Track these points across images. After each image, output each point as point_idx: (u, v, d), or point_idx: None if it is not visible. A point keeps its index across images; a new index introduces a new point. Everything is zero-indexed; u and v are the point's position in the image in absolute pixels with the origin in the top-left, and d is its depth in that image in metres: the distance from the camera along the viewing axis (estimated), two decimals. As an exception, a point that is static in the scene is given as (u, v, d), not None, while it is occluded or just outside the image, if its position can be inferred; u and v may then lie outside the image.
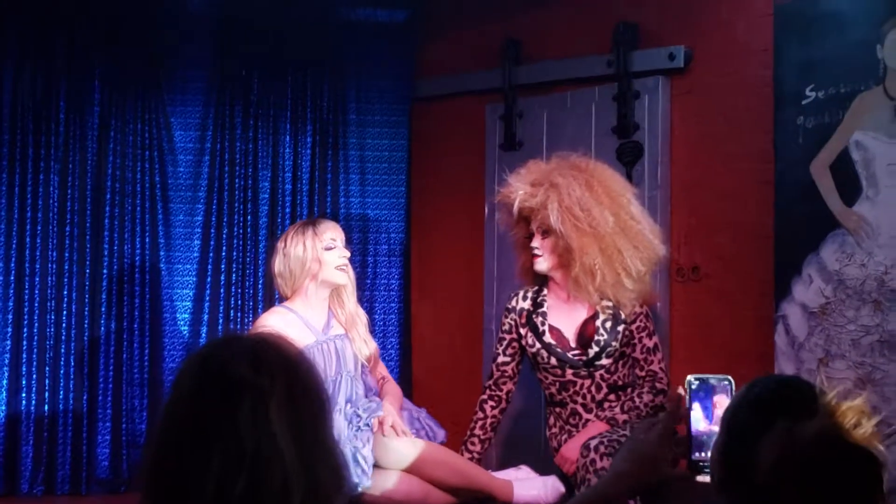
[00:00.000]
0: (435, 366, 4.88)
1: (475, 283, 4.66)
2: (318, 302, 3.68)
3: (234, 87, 4.64)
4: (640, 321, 3.57)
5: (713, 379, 1.65)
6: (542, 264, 3.57)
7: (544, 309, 3.62)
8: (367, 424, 3.46)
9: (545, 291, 3.65)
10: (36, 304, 4.36)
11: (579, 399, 3.56)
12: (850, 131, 3.54)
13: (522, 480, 3.51)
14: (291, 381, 1.43)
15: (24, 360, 4.33)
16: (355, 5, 4.78)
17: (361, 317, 3.74)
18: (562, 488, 3.46)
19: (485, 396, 3.70)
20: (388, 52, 4.79)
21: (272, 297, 4.52)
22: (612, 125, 4.19)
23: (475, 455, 3.64)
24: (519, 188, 3.57)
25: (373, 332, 4.51)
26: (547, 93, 4.46)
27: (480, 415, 3.68)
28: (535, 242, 3.56)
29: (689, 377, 1.66)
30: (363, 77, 4.78)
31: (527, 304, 3.65)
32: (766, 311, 3.75)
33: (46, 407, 4.34)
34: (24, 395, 4.32)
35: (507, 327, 3.68)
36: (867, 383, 3.45)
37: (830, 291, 3.58)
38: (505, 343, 3.68)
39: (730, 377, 1.64)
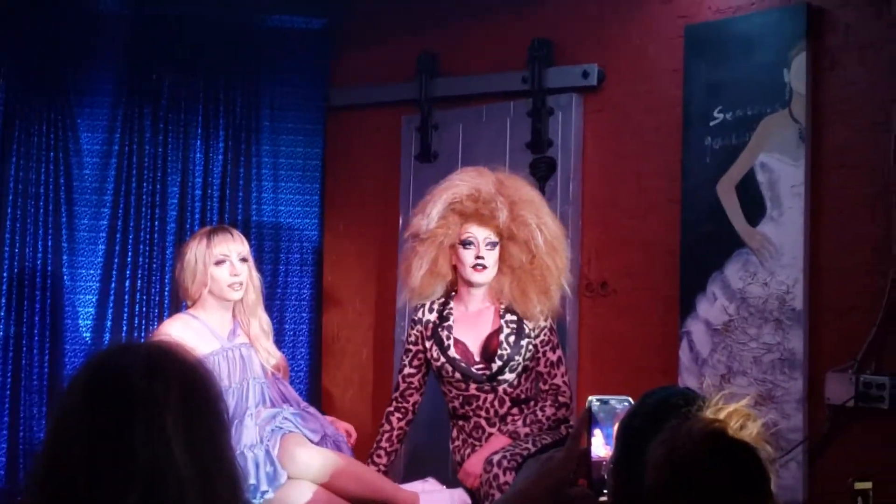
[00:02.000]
0: (344, 376, 4.85)
1: (387, 294, 4.65)
2: (219, 310, 3.63)
3: (144, 89, 4.54)
4: (545, 335, 3.59)
5: (614, 400, 1.66)
6: (485, 276, 3.55)
7: (450, 322, 3.61)
8: (280, 427, 3.43)
9: (451, 304, 3.64)
10: (-67, 307, 4.21)
11: (482, 413, 3.56)
12: (756, 153, 3.63)
13: (429, 493, 3.51)
14: (188, 391, 1.40)
15: (-82, 364, 4.18)
16: (271, 11, 4.73)
17: (266, 327, 3.68)
18: (468, 501, 3.47)
19: (391, 408, 3.68)
20: (304, 59, 4.75)
21: (178, 303, 4.42)
22: (527, 140, 4.22)
23: (381, 467, 3.62)
24: (470, 184, 3.56)
25: (282, 342, 4.46)
26: (463, 106, 4.48)
27: (387, 427, 3.66)
28: (482, 252, 3.54)
29: (591, 398, 1.67)
30: (278, 83, 4.73)
31: (433, 317, 3.64)
32: (672, 326, 3.81)
33: (-59, 412, 4.20)
34: (-84, 400, 4.16)
35: (413, 339, 3.66)
36: (768, 400, 3.52)
37: (734, 309, 3.65)
38: (411, 355, 3.67)
39: (630, 398, 1.66)
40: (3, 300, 4.31)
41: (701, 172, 3.75)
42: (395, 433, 3.66)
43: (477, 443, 3.54)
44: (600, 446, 1.64)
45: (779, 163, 3.58)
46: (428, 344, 3.61)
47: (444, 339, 3.58)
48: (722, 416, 1.44)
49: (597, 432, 1.64)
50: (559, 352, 3.61)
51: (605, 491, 1.61)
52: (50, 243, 4.41)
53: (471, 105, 4.45)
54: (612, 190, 4.10)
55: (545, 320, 3.59)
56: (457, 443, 3.62)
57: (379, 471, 3.60)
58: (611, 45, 4.10)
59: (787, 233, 3.55)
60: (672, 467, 1.40)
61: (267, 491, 3.31)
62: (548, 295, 3.57)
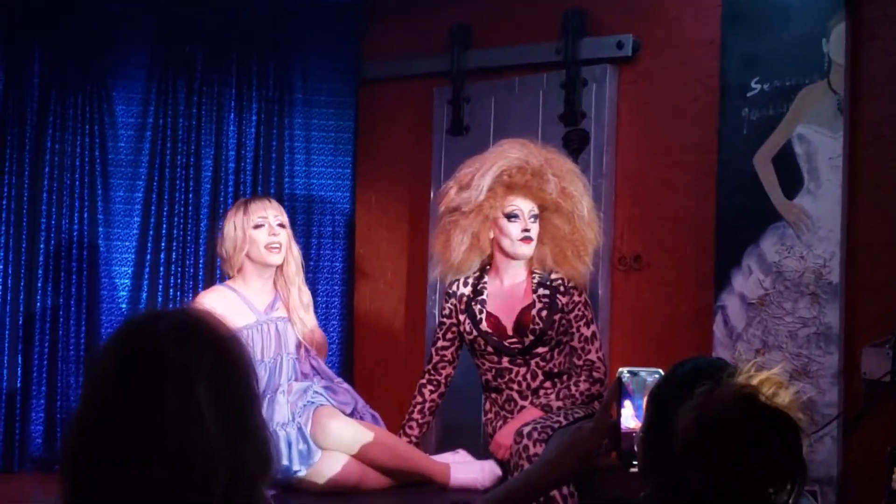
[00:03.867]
0: (376, 349, 4.86)
1: (418, 266, 4.65)
2: (260, 282, 3.65)
3: (179, 62, 4.56)
4: (579, 310, 3.58)
5: (644, 372, 1.65)
6: (530, 248, 3.55)
7: (484, 297, 3.60)
8: (312, 402, 3.44)
9: (486, 278, 3.64)
10: (-30, 279, 4.27)
11: (515, 386, 3.56)
12: (793, 125, 3.58)
13: (460, 464, 3.52)
14: (219, 359, 1.39)
15: (-43, 336, 4.24)
16: (304, -17, 4.72)
17: (305, 300, 3.69)
18: (499, 472, 3.47)
19: (424, 380, 3.69)
20: (336, 32, 4.73)
21: (213, 275, 4.47)
22: (560, 112, 4.19)
23: (413, 438, 3.64)
24: (519, 157, 3.56)
25: (315, 314, 4.47)
26: (495, 78, 4.45)
27: (419, 398, 3.68)
28: (528, 225, 3.53)
29: (622, 369, 1.66)
30: (310, 57, 4.72)
31: (467, 291, 3.63)
32: (706, 301, 3.78)
33: (-21, 383, 4.26)
34: (-44, 370, 4.23)
35: (447, 312, 3.67)
36: (803, 375, 3.49)
37: (769, 283, 3.61)
38: (445, 328, 3.67)
39: (660, 370, 1.64)
40: (41, 271, 4.36)
41: (737, 144, 3.70)
42: (428, 405, 3.67)
43: (509, 415, 3.55)
44: (630, 418, 1.63)
45: (817, 135, 3.53)
46: (461, 317, 3.61)
47: (477, 313, 3.58)
48: (754, 382, 1.42)
49: (627, 404, 1.63)
50: (594, 327, 3.60)
51: (634, 462, 1.60)
52: (86, 215, 4.45)
53: (503, 77, 4.42)
54: (646, 162, 4.07)
55: (579, 295, 3.57)
56: (489, 415, 3.63)
57: (410, 442, 3.61)
58: (646, 16, 4.05)
59: (824, 206, 3.50)
60: (702, 432, 1.38)
61: (300, 470, 3.33)
62: (585, 263, 3.60)
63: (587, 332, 3.57)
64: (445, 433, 4.29)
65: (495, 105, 4.41)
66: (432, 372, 3.68)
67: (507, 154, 3.58)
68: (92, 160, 4.47)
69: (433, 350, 3.71)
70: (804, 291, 3.53)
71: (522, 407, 3.53)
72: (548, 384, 3.55)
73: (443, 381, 3.69)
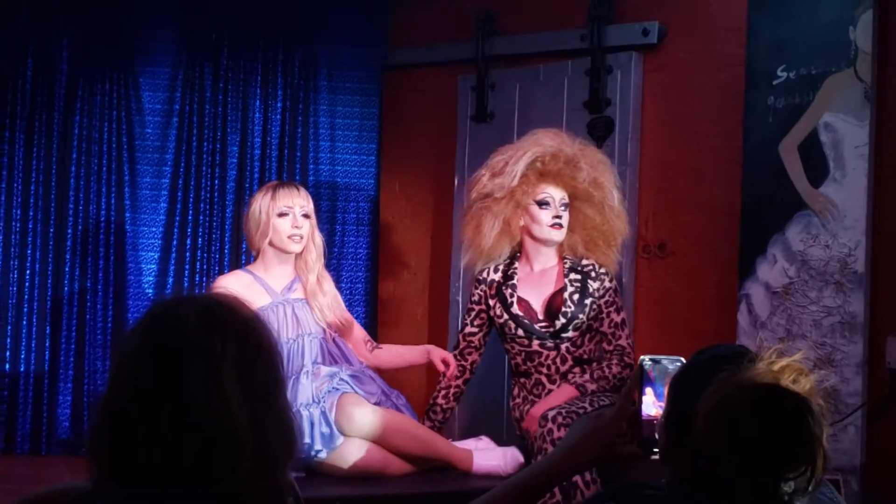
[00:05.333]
0: (400, 336, 4.87)
1: (443, 254, 4.66)
2: (279, 265, 3.68)
3: (205, 49, 4.58)
4: (609, 296, 3.59)
5: (666, 360, 1.65)
6: (562, 234, 3.57)
7: (514, 281, 3.62)
8: (337, 389, 3.46)
9: (516, 264, 3.65)
10: (-1, 263, 4.32)
11: (544, 370, 3.57)
12: (819, 112, 3.56)
13: (482, 450, 3.53)
14: (244, 342, 1.41)
15: (-15, 319, 4.29)
16: (328, -29, 4.73)
17: (325, 286, 3.71)
18: (521, 459, 3.48)
19: None
20: (361, 19, 4.74)
21: (238, 261, 4.50)
22: (584, 100, 4.18)
23: (437, 424, 3.66)
24: (553, 145, 3.57)
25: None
26: (519, 65, 4.44)
27: (444, 383, 3.69)
28: (560, 212, 3.55)
29: (644, 357, 1.66)
30: (335, 43, 4.73)
31: (497, 276, 3.65)
32: (730, 289, 3.77)
33: (8, 366, 4.30)
34: (-16, 353, 4.28)
35: (476, 298, 3.68)
36: (827, 364, 3.48)
37: (794, 272, 3.60)
38: (473, 314, 3.68)
39: (682, 358, 1.65)
40: (68, 256, 4.40)
41: (763, 132, 3.69)
42: (452, 390, 3.70)
43: (537, 399, 3.55)
44: (651, 405, 1.63)
45: (843, 123, 3.50)
46: (491, 302, 3.62)
47: (508, 297, 3.59)
48: (774, 369, 1.43)
49: (648, 391, 1.64)
50: (623, 314, 3.61)
51: (655, 450, 1.61)
52: (113, 201, 4.49)
53: (528, 64, 4.41)
54: (671, 150, 4.05)
55: (609, 281, 3.58)
56: (517, 400, 3.63)
57: (434, 426, 3.63)
58: (672, 2, 4.03)
59: (850, 194, 3.48)
60: (722, 417, 1.39)
61: (321, 450, 3.35)
62: (615, 252, 3.63)
63: (617, 319, 3.58)
64: (468, 420, 4.30)
65: (520, 92, 4.41)
66: (458, 357, 3.70)
67: (541, 142, 3.60)
68: (119, 146, 4.51)
69: (460, 336, 3.72)
70: (829, 280, 3.51)
71: (551, 391, 3.53)
72: (576, 370, 3.55)
73: (468, 366, 3.71)
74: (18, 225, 4.34)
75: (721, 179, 3.86)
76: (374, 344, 3.85)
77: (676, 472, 1.50)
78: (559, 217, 3.55)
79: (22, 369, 4.31)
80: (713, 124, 3.91)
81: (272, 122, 4.68)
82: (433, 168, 4.77)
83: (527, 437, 3.51)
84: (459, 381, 3.70)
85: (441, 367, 3.65)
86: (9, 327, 4.31)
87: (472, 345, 3.69)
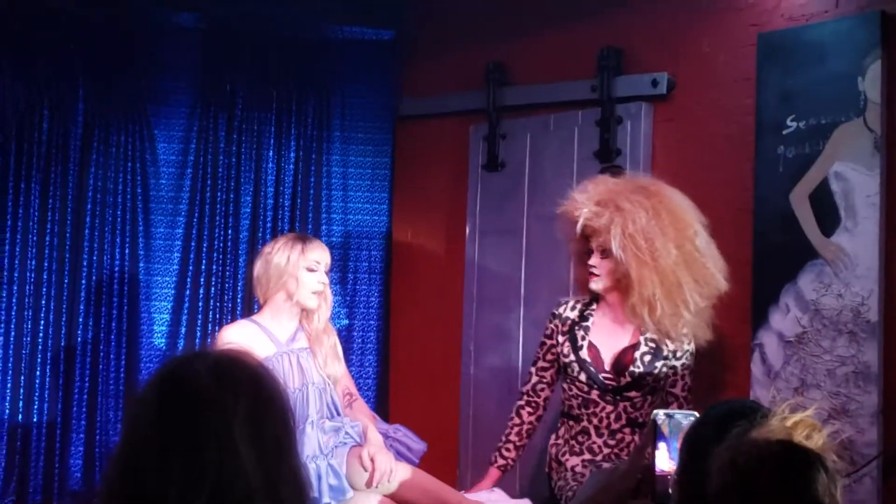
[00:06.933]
0: (412, 384, 4.87)
1: (454, 302, 4.66)
2: (286, 316, 3.63)
3: (219, 100, 4.64)
4: (688, 359, 3.47)
5: (680, 415, 1.65)
6: (598, 284, 3.43)
7: (588, 324, 3.49)
8: (344, 443, 3.44)
9: (594, 307, 3.52)
10: (13, 313, 4.34)
11: (595, 421, 3.42)
12: (830, 162, 3.56)
13: (494, 503, 3.50)
14: (256, 398, 1.42)
15: (-1, 368, 4.31)
16: (342, 23, 4.79)
17: (329, 336, 3.68)
18: (533, 511, 3.45)
19: (522, 402, 3.56)
20: (374, 70, 4.80)
21: (250, 310, 4.51)
22: (595, 149, 4.20)
23: (510, 461, 3.55)
24: (584, 205, 3.43)
25: (350, 349, 4.48)
26: (530, 115, 4.48)
27: (517, 420, 3.56)
28: (594, 261, 3.42)
29: (657, 412, 1.66)
30: (348, 94, 4.79)
31: (573, 315, 3.51)
32: (744, 338, 3.76)
33: (20, 416, 4.31)
34: (-3, 403, 4.29)
35: (548, 332, 3.55)
36: (842, 413, 3.45)
37: (807, 321, 3.59)
38: (545, 348, 3.55)
39: (696, 413, 1.65)
40: (82, 306, 4.42)
41: (773, 182, 3.69)
42: (525, 427, 3.55)
43: (577, 446, 3.43)
44: (665, 460, 1.63)
45: (853, 172, 3.51)
46: (561, 339, 3.49)
47: (579, 339, 3.47)
48: (787, 424, 1.42)
49: (661, 446, 1.64)
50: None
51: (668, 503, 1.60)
52: (127, 251, 4.52)
53: (538, 114, 4.45)
54: (681, 200, 4.05)
55: (688, 343, 3.46)
56: (558, 441, 3.50)
57: (507, 465, 3.54)
58: (681, 54, 4.06)
59: (862, 243, 3.48)
60: (736, 472, 1.38)
61: (330, 503, 3.33)
62: (678, 312, 3.41)
63: (691, 383, 3.46)
64: (478, 469, 4.27)
65: (531, 142, 4.44)
66: (531, 393, 3.56)
67: (581, 204, 3.47)
68: (134, 196, 4.55)
69: (533, 370, 3.58)
70: (842, 330, 3.50)
71: (593, 443, 3.41)
72: (627, 430, 3.41)
73: (542, 402, 3.56)
74: (33, 276, 4.37)
75: (732, 229, 3.86)
76: (352, 398, 3.77)
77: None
78: (594, 266, 3.43)
79: (35, 419, 4.31)
80: (723, 174, 3.91)
81: (285, 171, 4.73)
82: (445, 217, 4.79)
83: (551, 478, 3.46)
84: (533, 418, 3.55)
85: (366, 464, 3.39)
86: (22, 377, 4.33)
87: (545, 380, 3.55)
